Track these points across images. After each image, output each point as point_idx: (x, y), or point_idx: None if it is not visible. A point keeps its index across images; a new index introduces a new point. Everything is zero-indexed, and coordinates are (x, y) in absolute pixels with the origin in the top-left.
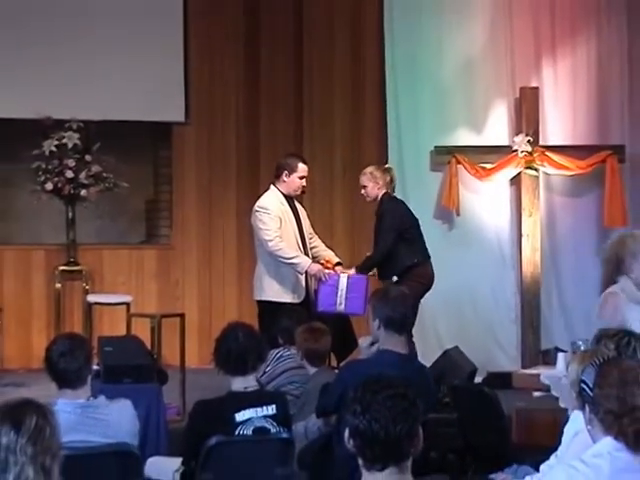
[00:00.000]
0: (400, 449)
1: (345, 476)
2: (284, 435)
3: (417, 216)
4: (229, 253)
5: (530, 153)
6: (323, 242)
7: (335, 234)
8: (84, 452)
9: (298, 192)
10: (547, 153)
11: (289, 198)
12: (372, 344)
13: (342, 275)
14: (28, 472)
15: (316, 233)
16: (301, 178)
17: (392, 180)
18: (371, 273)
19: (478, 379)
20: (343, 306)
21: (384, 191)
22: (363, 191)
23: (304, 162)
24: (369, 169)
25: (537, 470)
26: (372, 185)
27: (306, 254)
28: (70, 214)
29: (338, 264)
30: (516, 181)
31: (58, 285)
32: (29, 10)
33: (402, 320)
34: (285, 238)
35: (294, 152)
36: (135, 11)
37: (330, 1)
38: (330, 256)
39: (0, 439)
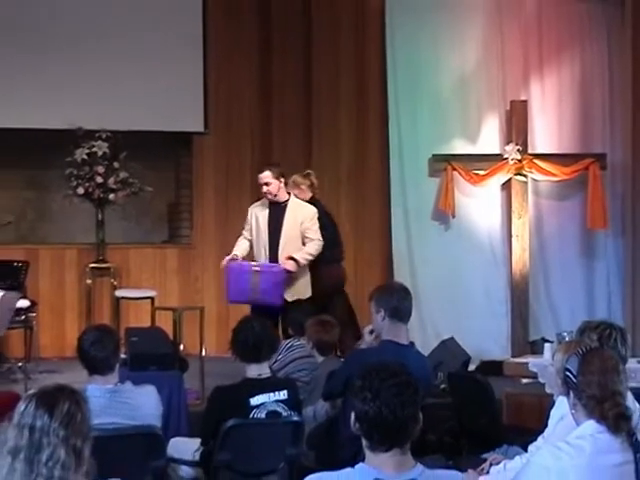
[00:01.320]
0: (405, 432)
1: (350, 456)
2: (294, 418)
3: (415, 218)
4: None
5: (519, 161)
6: None
7: (341, 232)
8: (112, 433)
9: (268, 197)
10: (535, 161)
11: (274, 204)
12: (371, 332)
13: (254, 265)
14: (60, 453)
15: None
16: (260, 185)
17: (312, 184)
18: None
19: (472, 367)
20: (258, 295)
21: (310, 195)
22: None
23: (260, 172)
24: (292, 177)
25: (526, 450)
26: (297, 191)
27: (274, 254)
28: (99, 216)
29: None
30: (507, 186)
31: (89, 281)
32: (61, 30)
33: (406, 310)
34: (254, 237)
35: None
36: (159, 32)
37: (336, 23)
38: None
39: (35, 422)
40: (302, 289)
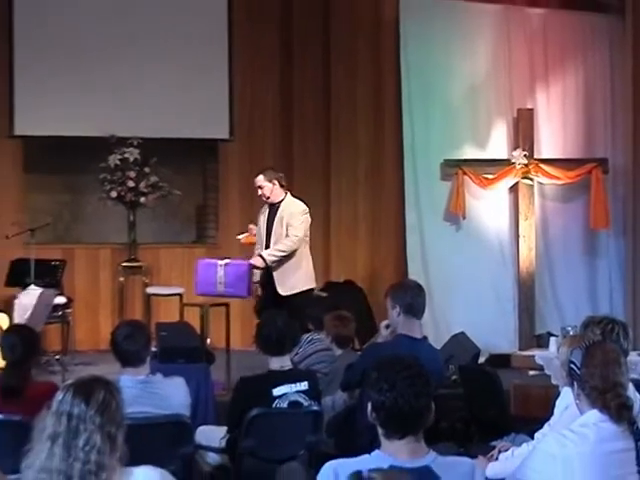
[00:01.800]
0: (419, 420)
1: (367, 443)
2: (314, 407)
3: (428, 219)
4: None
5: (526, 165)
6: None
7: (359, 232)
8: (144, 422)
9: (263, 199)
10: (541, 165)
11: (271, 205)
12: (387, 326)
13: (220, 261)
14: (96, 439)
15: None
16: (255, 189)
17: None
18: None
19: (481, 360)
20: (223, 288)
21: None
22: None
23: (256, 176)
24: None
25: (532, 438)
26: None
27: (267, 248)
28: (131, 218)
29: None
30: (514, 189)
31: (121, 279)
32: (96, 45)
33: (420, 307)
34: (258, 238)
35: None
36: (187, 45)
37: (354, 34)
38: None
39: (72, 410)
40: (296, 283)
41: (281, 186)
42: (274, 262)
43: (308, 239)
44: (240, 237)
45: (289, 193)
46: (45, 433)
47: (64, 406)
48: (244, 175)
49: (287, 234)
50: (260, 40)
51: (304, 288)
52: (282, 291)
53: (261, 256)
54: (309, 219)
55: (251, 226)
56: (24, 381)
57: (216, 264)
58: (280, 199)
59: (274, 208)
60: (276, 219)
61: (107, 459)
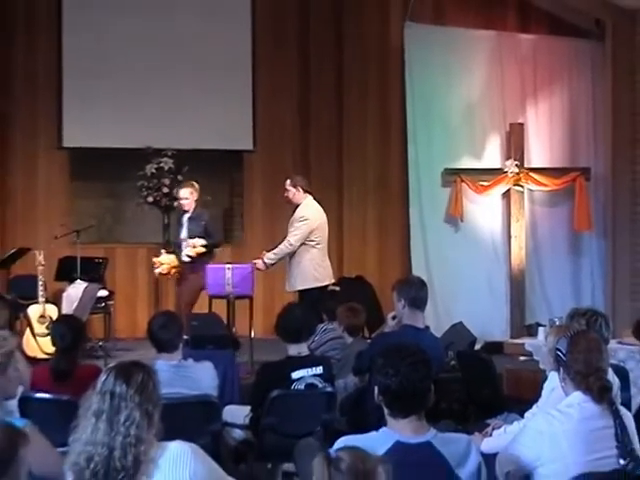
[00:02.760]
0: (421, 401)
1: (375, 421)
2: (328, 389)
3: (430, 221)
4: None
5: (517, 174)
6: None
7: (368, 233)
8: (177, 402)
9: (286, 201)
10: (530, 174)
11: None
12: (393, 317)
13: (227, 265)
14: (135, 415)
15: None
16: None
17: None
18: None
19: (477, 347)
20: (231, 288)
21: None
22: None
23: (285, 180)
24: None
25: (523, 417)
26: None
27: None
28: (166, 220)
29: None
30: (506, 195)
31: (157, 275)
32: (135, 66)
33: (423, 300)
34: None
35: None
36: (216, 67)
37: (364, 58)
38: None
39: (114, 389)
40: (294, 283)
41: (305, 192)
42: (272, 264)
43: (314, 243)
44: None
45: (309, 197)
46: (90, 410)
47: (107, 386)
48: (266, 182)
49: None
50: (281, 66)
51: (301, 287)
52: (287, 288)
53: (263, 260)
54: (311, 225)
55: None
56: (72, 365)
57: (224, 268)
58: (299, 202)
59: (294, 210)
60: (290, 221)
61: (145, 433)
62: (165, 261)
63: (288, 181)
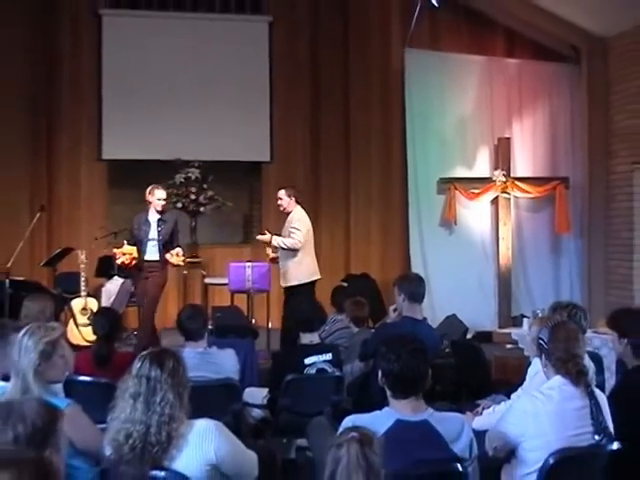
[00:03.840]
0: (419, 384)
1: (378, 401)
2: (337, 374)
3: (427, 225)
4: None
5: (504, 182)
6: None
7: (372, 235)
8: (203, 384)
9: (280, 209)
10: (516, 182)
11: (286, 214)
12: (394, 310)
13: (247, 264)
14: (169, 396)
15: (360, 235)
16: (276, 200)
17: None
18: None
19: (469, 336)
20: (251, 284)
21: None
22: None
23: (279, 190)
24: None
25: (509, 398)
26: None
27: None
28: (193, 224)
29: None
30: (495, 201)
31: (185, 272)
32: (165, 88)
33: (421, 294)
34: None
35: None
36: (237, 88)
37: (368, 80)
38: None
39: (150, 373)
40: (291, 279)
41: (296, 202)
42: (275, 247)
43: (308, 245)
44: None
45: (299, 207)
46: (128, 392)
47: (143, 371)
48: None
49: (289, 235)
50: (294, 88)
51: (296, 283)
52: (282, 283)
53: (271, 235)
54: (307, 228)
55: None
56: (110, 351)
57: (244, 266)
58: (291, 211)
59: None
60: (285, 225)
61: (177, 412)
62: (127, 251)
63: (283, 191)
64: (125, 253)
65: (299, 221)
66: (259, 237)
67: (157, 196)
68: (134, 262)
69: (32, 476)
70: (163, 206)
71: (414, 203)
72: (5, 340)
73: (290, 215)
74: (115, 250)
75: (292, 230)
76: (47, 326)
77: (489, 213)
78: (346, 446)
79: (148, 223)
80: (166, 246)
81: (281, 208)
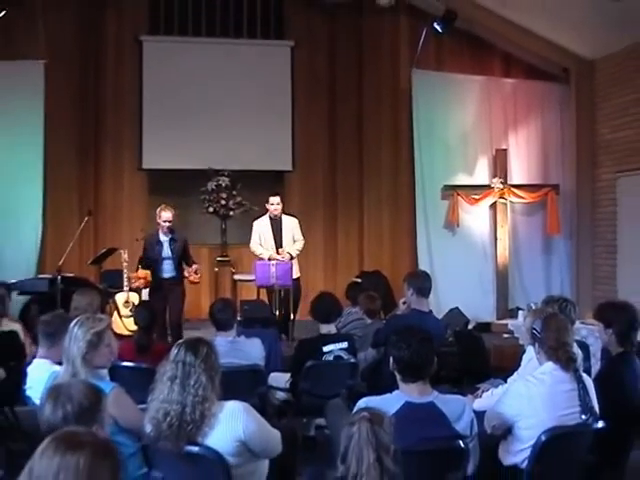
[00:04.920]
0: (426, 370)
1: (389, 385)
2: (352, 360)
3: (433, 227)
4: (318, 249)
5: (501, 189)
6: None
7: (383, 236)
8: (232, 370)
9: (274, 213)
10: (512, 189)
11: (272, 219)
12: (404, 303)
13: (271, 262)
14: (202, 379)
15: (372, 236)
16: (272, 204)
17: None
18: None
19: (470, 326)
20: (275, 280)
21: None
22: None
23: (272, 196)
24: (278, 199)
25: (506, 382)
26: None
27: (278, 250)
28: (223, 226)
29: (289, 254)
30: (493, 206)
31: (216, 269)
32: (197, 104)
33: (427, 289)
34: (262, 241)
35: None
36: (262, 104)
37: (379, 96)
38: (287, 249)
39: (185, 359)
40: (295, 271)
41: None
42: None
43: None
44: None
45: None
46: (166, 376)
47: (179, 357)
48: (302, 196)
49: (297, 239)
50: (314, 104)
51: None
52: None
53: (290, 253)
54: None
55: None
56: (150, 340)
57: (269, 264)
58: (281, 215)
59: (277, 222)
60: (284, 229)
61: (209, 394)
62: (142, 275)
63: (278, 199)
64: (140, 277)
65: (299, 225)
66: (279, 257)
67: (163, 218)
68: (146, 283)
69: (100, 454)
70: (169, 227)
71: (421, 207)
72: (60, 330)
73: (287, 220)
74: (131, 275)
75: (300, 237)
76: (95, 317)
77: (488, 217)
78: (358, 424)
79: (160, 243)
80: (180, 263)
81: (275, 212)
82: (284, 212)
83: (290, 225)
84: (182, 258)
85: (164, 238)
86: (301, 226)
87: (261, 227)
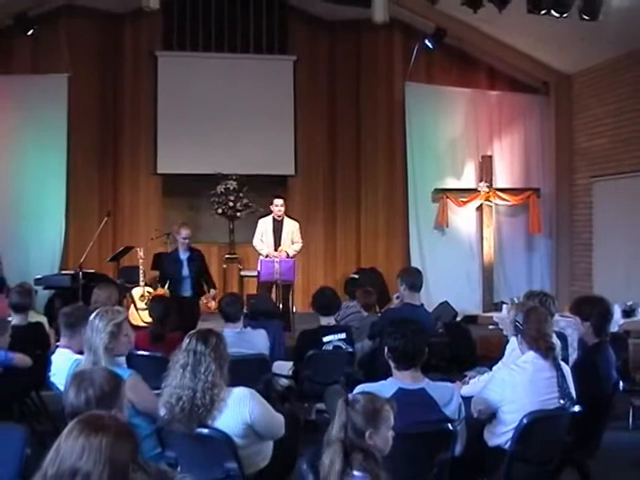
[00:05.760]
0: (418, 358)
1: (383, 373)
2: (350, 350)
3: (424, 228)
4: (319, 247)
5: (487, 192)
6: (372, 240)
7: (379, 235)
8: (239, 358)
9: (278, 214)
10: (497, 192)
11: (275, 220)
12: (397, 297)
13: (275, 259)
14: (212, 367)
15: (369, 235)
16: (275, 206)
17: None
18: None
19: (458, 319)
20: (279, 276)
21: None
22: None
23: (276, 198)
24: (281, 201)
25: (491, 370)
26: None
27: (276, 248)
28: (231, 226)
29: (286, 252)
30: (479, 208)
31: (224, 266)
32: (208, 113)
33: (419, 284)
34: (265, 240)
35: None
36: (268, 116)
37: (375, 107)
38: (284, 248)
39: (196, 348)
40: None
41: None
42: (293, 256)
43: None
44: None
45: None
46: (178, 364)
47: (191, 346)
48: (304, 199)
49: (296, 241)
50: (315, 114)
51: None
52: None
53: (287, 252)
54: None
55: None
56: (164, 331)
57: (273, 261)
58: (283, 217)
59: (279, 223)
60: (285, 230)
61: (218, 380)
62: (160, 293)
63: (282, 201)
64: (160, 295)
65: (299, 228)
66: (276, 254)
67: (182, 235)
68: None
69: (120, 435)
70: (188, 244)
71: (413, 209)
72: (79, 321)
73: (289, 223)
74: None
75: (299, 240)
76: (114, 310)
77: (475, 218)
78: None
79: (180, 262)
80: (199, 281)
81: (279, 213)
82: (288, 215)
83: (291, 228)
84: (201, 276)
85: (183, 256)
86: (301, 230)
87: (264, 226)
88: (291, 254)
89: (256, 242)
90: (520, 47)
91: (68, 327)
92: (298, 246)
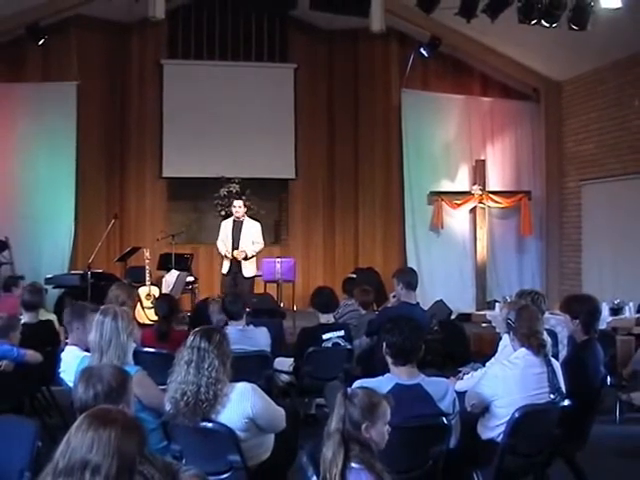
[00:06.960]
0: (415, 354)
1: (381, 369)
2: (348, 347)
3: (419, 229)
4: (318, 248)
5: (480, 195)
6: (370, 241)
7: (376, 237)
8: (242, 355)
9: (237, 215)
10: (490, 195)
11: (234, 221)
12: (394, 296)
13: (276, 259)
14: (215, 363)
15: (367, 237)
16: (234, 207)
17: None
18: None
19: (453, 317)
20: (280, 276)
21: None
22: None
23: (236, 200)
24: (240, 202)
25: (484, 365)
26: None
27: (235, 248)
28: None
29: (244, 252)
30: (473, 210)
31: None
32: (211, 121)
33: (415, 283)
34: (225, 240)
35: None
36: (270, 122)
37: (372, 114)
38: (243, 248)
39: (200, 345)
40: (253, 270)
41: (247, 210)
42: (252, 256)
43: None
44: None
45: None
46: (183, 360)
47: (195, 343)
48: (304, 202)
49: (256, 241)
50: (314, 119)
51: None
52: (246, 274)
53: (245, 252)
54: None
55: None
56: (169, 329)
57: (274, 261)
58: (243, 217)
59: (239, 223)
60: (244, 231)
61: (221, 376)
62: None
63: (241, 202)
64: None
65: (260, 229)
66: (236, 254)
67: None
68: None
69: (128, 429)
70: (236, 212)
71: (409, 211)
72: (85, 318)
73: (249, 224)
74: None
75: (259, 240)
76: (121, 309)
77: (468, 220)
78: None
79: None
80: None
81: (238, 214)
82: (250, 217)
83: (250, 229)
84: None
85: (227, 225)
86: (263, 231)
87: (225, 227)
88: (249, 254)
89: (218, 243)
90: (512, 55)
91: (70, 323)
92: (258, 247)
